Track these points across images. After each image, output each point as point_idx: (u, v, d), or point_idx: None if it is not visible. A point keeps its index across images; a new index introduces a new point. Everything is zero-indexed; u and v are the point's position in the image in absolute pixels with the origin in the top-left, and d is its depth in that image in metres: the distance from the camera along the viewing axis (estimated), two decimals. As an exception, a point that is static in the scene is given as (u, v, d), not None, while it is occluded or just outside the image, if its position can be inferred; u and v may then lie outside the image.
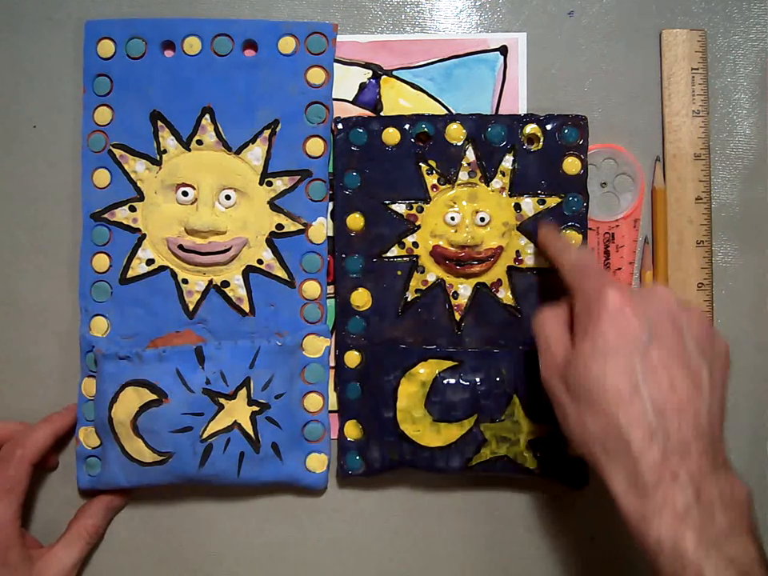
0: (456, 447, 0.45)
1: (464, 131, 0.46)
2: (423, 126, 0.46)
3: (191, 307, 0.47)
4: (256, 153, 0.46)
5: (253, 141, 0.46)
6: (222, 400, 0.44)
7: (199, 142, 0.46)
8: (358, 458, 0.47)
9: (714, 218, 0.48)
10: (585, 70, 0.48)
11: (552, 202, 0.46)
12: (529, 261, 0.46)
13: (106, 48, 0.46)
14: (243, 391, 0.44)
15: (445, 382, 0.45)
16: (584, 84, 0.48)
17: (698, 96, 0.47)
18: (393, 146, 0.46)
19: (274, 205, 0.47)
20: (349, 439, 0.47)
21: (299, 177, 0.46)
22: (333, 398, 0.48)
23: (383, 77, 0.48)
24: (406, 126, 0.46)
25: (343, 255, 0.47)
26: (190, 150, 0.46)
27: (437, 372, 0.45)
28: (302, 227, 0.47)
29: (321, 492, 0.48)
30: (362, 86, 0.48)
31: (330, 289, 0.47)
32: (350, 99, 0.48)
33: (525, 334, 0.46)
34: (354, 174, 0.46)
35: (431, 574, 0.48)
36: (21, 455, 0.44)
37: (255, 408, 0.45)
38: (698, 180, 0.47)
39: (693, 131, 0.47)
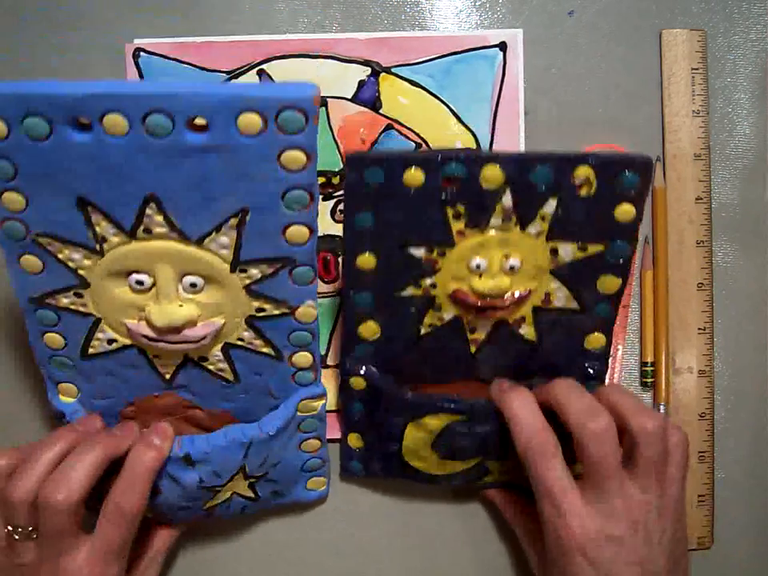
0: (461, 475, 0.45)
1: (502, 174, 0.37)
2: (454, 168, 0.37)
3: (168, 377, 0.41)
4: (222, 242, 0.36)
5: (217, 230, 0.36)
6: (218, 488, 0.43)
7: (147, 231, 0.35)
8: (360, 464, 0.46)
9: (714, 218, 0.48)
10: (585, 69, 0.48)
11: (595, 249, 0.39)
12: (558, 303, 0.41)
13: None
14: (239, 475, 0.43)
15: (453, 430, 0.42)
16: (584, 84, 0.48)
17: (698, 96, 0.47)
18: (415, 188, 0.37)
19: (251, 290, 0.38)
20: (352, 447, 0.46)
21: (280, 264, 0.37)
22: (333, 398, 0.47)
23: (382, 74, 0.47)
24: (432, 167, 0.37)
25: (351, 291, 0.40)
26: (137, 239, 0.36)
27: (445, 423, 0.42)
28: (287, 310, 0.39)
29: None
30: (361, 84, 0.47)
31: (331, 288, 0.47)
32: (349, 97, 0.47)
33: (542, 367, 0.43)
34: (367, 214, 0.38)
35: (431, 575, 0.48)
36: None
37: (253, 479, 0.44)
38: (698, 180, 0.47)
39: (693, 131, 0.47)
